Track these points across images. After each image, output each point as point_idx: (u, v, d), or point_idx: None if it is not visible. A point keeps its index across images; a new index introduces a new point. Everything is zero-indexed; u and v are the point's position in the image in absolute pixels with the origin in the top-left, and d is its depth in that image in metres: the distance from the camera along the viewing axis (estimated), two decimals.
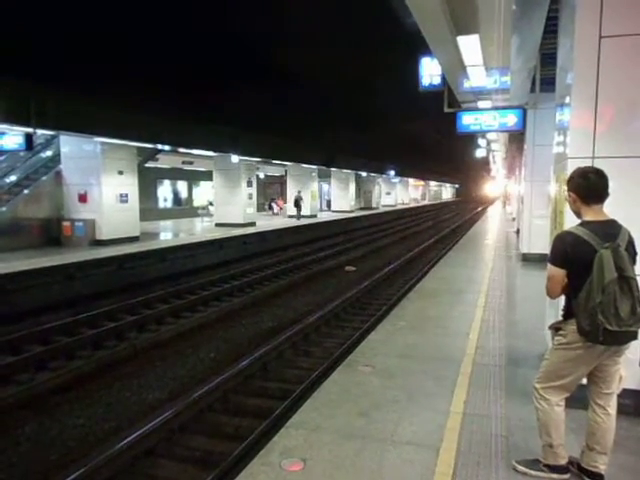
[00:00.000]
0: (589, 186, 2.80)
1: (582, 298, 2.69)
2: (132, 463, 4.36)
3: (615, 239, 2.67)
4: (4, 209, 13.93)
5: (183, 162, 25.76)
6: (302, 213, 28.07)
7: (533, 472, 3.04)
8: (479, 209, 51.13)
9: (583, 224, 2.80)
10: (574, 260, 2.76)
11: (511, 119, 9.71)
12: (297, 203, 27.95)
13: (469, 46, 6.21)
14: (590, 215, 2.81)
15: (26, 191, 14.73)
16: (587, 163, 3.61)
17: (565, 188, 2.99)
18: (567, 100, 4.11)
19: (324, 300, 10.65)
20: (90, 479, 4.01)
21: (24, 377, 6.43)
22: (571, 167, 3.62)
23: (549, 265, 2.90)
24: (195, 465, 4.38)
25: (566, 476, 2.99)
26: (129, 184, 15.86)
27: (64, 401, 5.82)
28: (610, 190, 2.79)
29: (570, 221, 3.26)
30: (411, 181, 59.41)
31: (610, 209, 2.84)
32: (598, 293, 2.61)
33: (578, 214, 2.90)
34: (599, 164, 3.43)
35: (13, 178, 15.44)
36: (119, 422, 5.35)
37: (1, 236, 13.37)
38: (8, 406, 5.56)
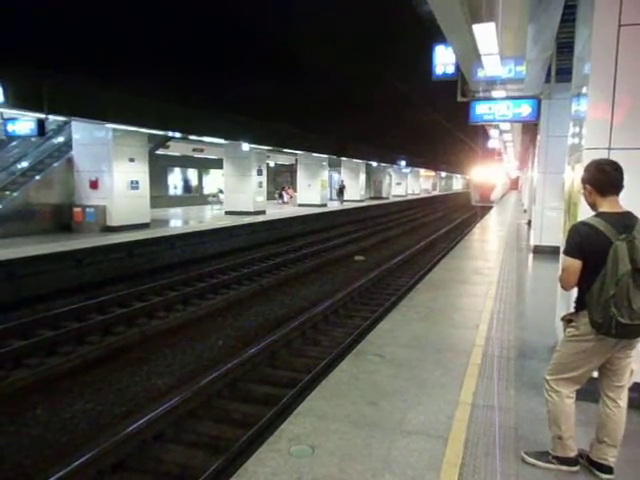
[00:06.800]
0: (606, 179, 2.75)
1: (595, 290, 2.65)
2: (141, 447, 4.42)
3: (631, 231, 2.62)
4: (16, 194, 14.00)
5: (194, 150, 25.73)
6: (312, 202, 28.42)
7: (542, 464, 3.03)
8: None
9: (599, 215, 2.76)
10: (589, 251, 2.72)
11: (525, 109, 9.56)
12: (341, 191, 32.75)
13: (485, 34, 6.10)
14: (606, 207, 2.77)
15: (38, 177, 14.77)
16: (603, 154, 3.55)
17: (580, 180, 2.95)
18: (584, 90, 4.03)
19: (333, 289, 10.66)
20: (100, 462, 4.07)
21: (34, 361, 6.52)
22: (586, 158, 3.57)
23: (564, 256, 2.86)
24: (204, 450, 4.43)
25: (575, 468, 2.98)
26: (140, 171, 15.88)
27: (74, 385, 5.89)
28: (626, 182, 2.75)
29: (584, 213, 3.22)
30: (422, 171, 59.02)
31: (625, 201, 2.79)
32: (611, 285, 2.57)
33: (593, 206, 2.86)
34: (615, 155, 3.37)
35: (25, 164, 15.51)
36: (129, 407, 5.41)
37: (13, 221, 13.46)
38: (20, 390, 5.64)
